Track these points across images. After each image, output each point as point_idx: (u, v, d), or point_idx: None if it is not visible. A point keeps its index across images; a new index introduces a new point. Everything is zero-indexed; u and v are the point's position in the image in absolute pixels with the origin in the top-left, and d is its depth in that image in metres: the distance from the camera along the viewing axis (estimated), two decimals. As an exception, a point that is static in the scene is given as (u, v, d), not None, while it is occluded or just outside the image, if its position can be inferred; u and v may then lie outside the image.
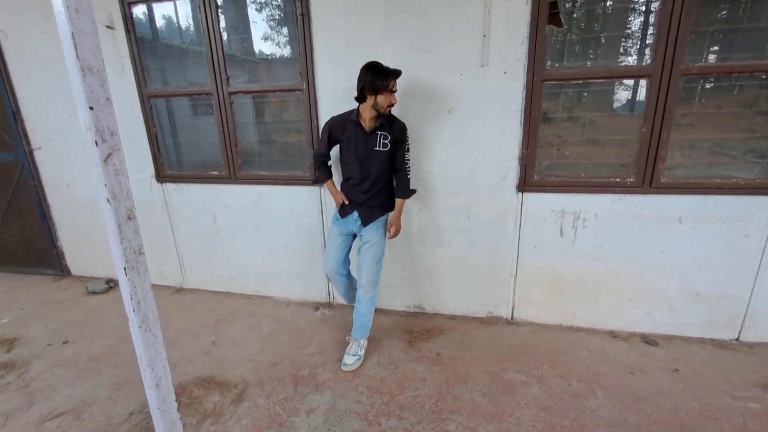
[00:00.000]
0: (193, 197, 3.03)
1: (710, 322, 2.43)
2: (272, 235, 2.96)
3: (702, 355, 2.34)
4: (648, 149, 2.20)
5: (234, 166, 2.85)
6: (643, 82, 2.18)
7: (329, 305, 3.02)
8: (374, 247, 2.23)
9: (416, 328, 2.69)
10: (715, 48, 2.23)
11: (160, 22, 2.89)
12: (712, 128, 2.29)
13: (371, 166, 2.15)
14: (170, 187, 3.06)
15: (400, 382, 2.18)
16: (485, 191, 2.49)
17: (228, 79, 2.66)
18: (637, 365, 2.28)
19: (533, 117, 2.27)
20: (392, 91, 2.03)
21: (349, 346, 2.38)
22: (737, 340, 2.43)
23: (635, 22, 2.29)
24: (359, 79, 2.03)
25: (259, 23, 2.71)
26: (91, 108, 0.91)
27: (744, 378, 2.14)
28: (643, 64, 2.12)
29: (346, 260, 2.39)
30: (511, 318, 2.73)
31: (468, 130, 2.41)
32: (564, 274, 2.54)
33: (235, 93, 2.69)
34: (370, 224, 2.24)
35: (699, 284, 2.38)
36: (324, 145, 2.25)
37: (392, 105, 2.07)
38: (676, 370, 2.23)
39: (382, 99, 2.02)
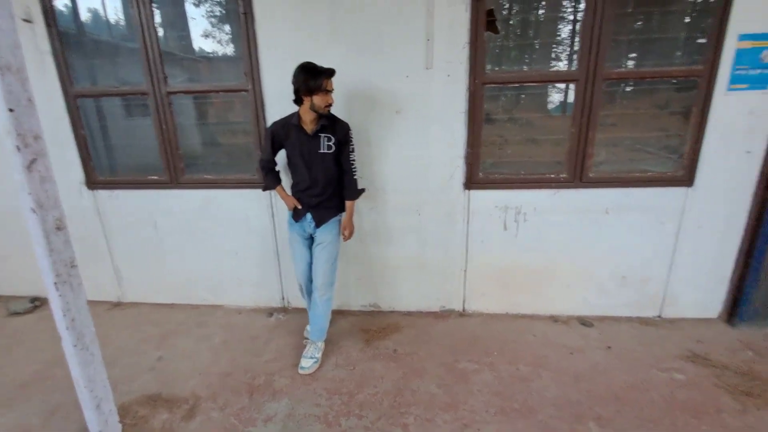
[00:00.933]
0: (131, 204, 2.83)
1: (636, 302, 2.70)
2: (221, 241, 2.85)
3: (631, 333, 2.59)
4: (577, 147, 2.40)
5: (176, 170, 2.70)
6: (572, 86, 2.37)
7: (284, 310, 2.96)
8: (328, 248, 2.23)
9: (373, 326, 2.72)
10: (634, 55, 2.48)
11: (85, 16, 2.67)
12: (632, 127, 2.54)
13: (318, 170, 2.13)
14: (103, 194, 2.84)
15: (358, 381, 2.20)
16: (434, 190, 2.57)
17: (166, 78, 2.52)
18: (576, 346, 2.47)
19: (476, 118, 2.39)
20: (328, 91, 2.00)
21: (306, 350, 2.35)
22: (659, 317, 2.72)
23: (564, 31, 2.49)
24: (294, 81, 1.99)
25: (198, 20, 2.60)
26: (11, 110, 0.84)
27: (668, 351, 2.40)
28: (571, 69, 2.31)
29: None
30: (463, 310, 2.85)
31: (416, 130, 2.48)
32: (509, 265, 2.69)
33: (175, 93, 2.55)
34: (324, 225, 2.22)
35: (625, 269, 2.63)
36: (268, 151, 2.19)
37: (330, 105, 2.04)
38: (609, 347, 2.45)
39: (318, 99, 1.98)
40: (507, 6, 2.47)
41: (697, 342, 2.47)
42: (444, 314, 2.85)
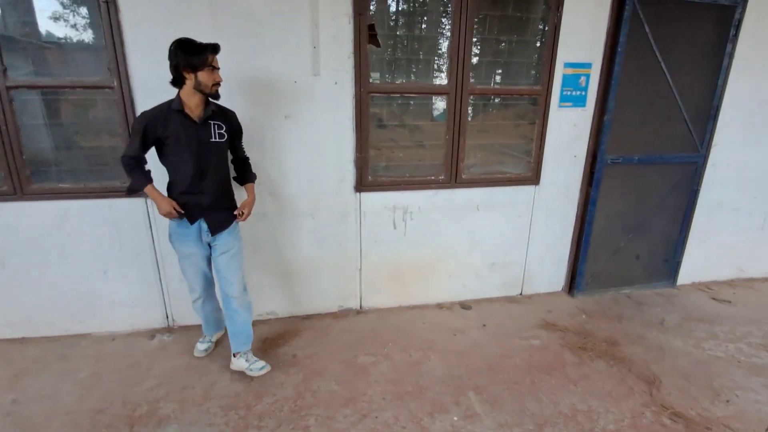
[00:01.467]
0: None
1: (504, 284, 3.17)
2: (85, 259, 2.48)
3: (500, 311, 3.03)
4: (452, 152, 2.72)
5: (20, 179, 2.28)
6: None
7: (168, 330, 2.71)
8: (237, 255, 2.12)
9: (270, 335, 2.67)
10: (500, 71, 2.88)
11: None
12: (498, 135, 2.97)
13: (210, 162, 1.94)
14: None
15: (256, 392, 2.15)
16: (327, 193, 2.65)
17: (5, 70, 2.11)
18: (458, 327, 2.80)
19: (363, 124, 2.54)
20: (215, 68, 1.83)
21: (246, 364, 2.22)
22: (521, 294, 3.24)
23: (441, 48, 2.76)
24: (171, 60, 1.78)
25: (46, 2, 2.22)
26: None
27: (527, 322, 2.87)
28: (443, 84, 2.61)
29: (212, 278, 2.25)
30: (360, 308, 2.98)
31: (306, 135, 2.52)
32: (400, 261, 2.91)
33: (16, 88, 2.15)
34: (225, 231, 2.07)
35: (494, 256, 3.07)
36: (137, 146, 1.84)
37: (218, 84, 1.86)
38: (484, 325, 2.83)
39: (204, 77, 1.79)
40: (393, 20, 2.66)
41: (548, 312, 3.01)
42: (342, 314, 2.94)
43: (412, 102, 2.84)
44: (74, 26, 2.33)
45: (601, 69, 2.76)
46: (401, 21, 2.69)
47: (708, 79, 2.92)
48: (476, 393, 2.18)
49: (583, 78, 2.76)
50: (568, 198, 3.04)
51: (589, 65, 2.74)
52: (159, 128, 1.84)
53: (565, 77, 2.73)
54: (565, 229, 3.12)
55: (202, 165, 1.94)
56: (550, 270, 3.22)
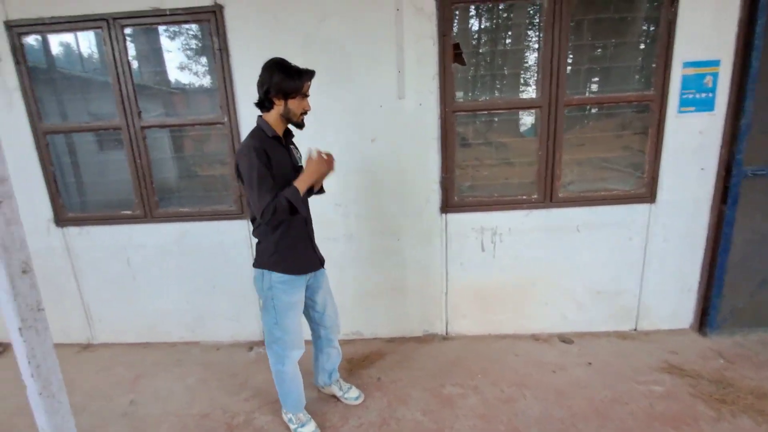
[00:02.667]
0: (102, 240, 2.75)
1: (612, 316, 2.77)
2: (197, 275, 2.79)
3: (609, 347, 2.64)
4: (545, 169, 2.51)
5: (150, 204, 2.66)
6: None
7: (264, 343, 2.88)
8: (330, 285, 2.08)
9: (355, 355, 2.68)
10: (596, 79, 2.63)
11: (57, 50, 2.66)
12: (599, 148, 2.68)
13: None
14: (73, 230, 2.75)
15: (342, 413, 2.15)
16: (412, 214, 2.62)
17: (140, 112, 2.52)
18: (558, 363, 2.50)
19: (449, 143, 2.48)
20: (306, 95, 1.69)
21: (341, 392, 2.25)
22: (635, 330, 2.79)
23: (528, 61, 2.62)
24: (262, 81, 1.63)
25: (174, 53, 2.63)
26: (-24, 155, 0.83)
27: (645, 363, 2.45)
28: (534, 97, 2.44)
29: None
30: (446, 334, 2.85)
31: (391, 157, 2.54)
32: (488, 286, 2.73)
33: (149, 127, 2.55)
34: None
35: (599, 284, 2.71)
36: (269, 182, 1.59)
37: (306, 113, 1.72)
38: (590, 363, 2.49)
39: (294, 105, 1.65)
40: (476, 38, 2.61)
41: (671, 353, 2.54)
42: (427, 338, 2.84)
43: (497, 119, 2.70)
44: (195, 73, 2.70)
45: (733, 66, 2.33)
46: (485, 38, 2.61)
47: None
48: (583, 443, 1.89)
49: (709, 78, 2.36)
50: (695, 218, 2.58)
51: (716, 62, 2.34)
52: (270, 155, 1.63)
53: (685, 78, 2.36)
54: (692, 255, 2.64)
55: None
56: (672, 302, 2.73)
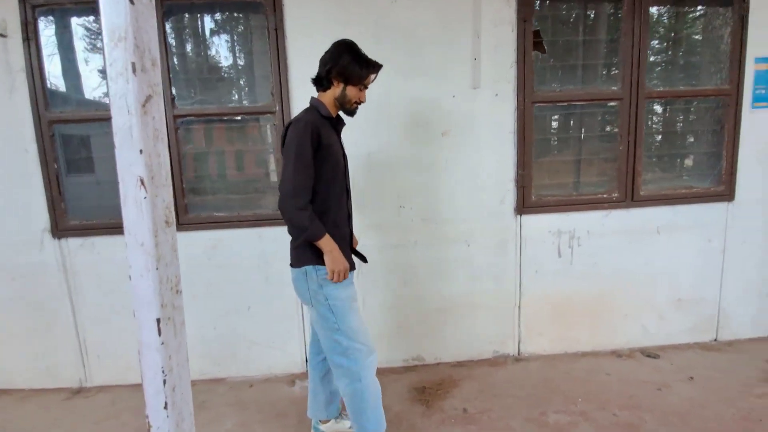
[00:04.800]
0: (111, 254, 2.25)
1: (693, 326, 2.56)
2: (230, 293, 2.32)
3: (699, 360, 2.40)
4: (626, 165, 2.35)
5: (178, 209, 2.23)
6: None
7: (306, 375, 2.41)
8: None
9: (425, 383, 2.27)
10: (678, 73, 2.49)
11: (77, 31, 2.25)
12: (675, 144, 2.55)
13: (348, 180, 1.65)
14: (73, 243, 2.24)
15: (439, 454, 1.73)
16: (484, 216, 2.35)
17: (173, 99, 2.15)
18: (658, 381, 2.22)
19: (527, 137, 2.28)
20: (366, 87, 1.58)
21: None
22: (716, 340, 2.59)
23: (607, 52, 2.45)
24: (328, 59, 1.50)
25: (217, 30, 2.30)
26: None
27: (747, 375, 2.22)
28: (615, 88, 2.32)
29: None
30: (518, 354, 2.51)
31: (463, 153, 2.29)
32: (565, 296, 2.46)
33: (183, 117, 2.17)
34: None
35: (680, 291, 2.52)
36: (311, 169, 1.43)
37: (360, 103, 1.59)
38: (691, 378, 2.23)
39: (352, 92, 1.53)
40: (553, 27, 2.44)
41: (766, 362, 2.34)
42: (498, 360, 2.48)
43: (577, 111, 2.48)
44: (242, 55, 2.33)
45: (802, 61, 2.34)
46: (561, 27, 2.45)
47: None
48: (743, 470, 1.58)
49: (780, 73, 2.35)
50: (770, 217, 2.49)
51: (785, 58, 2.34)
52: (323, 138, 1.47)
53: (757, 74, 2.34)
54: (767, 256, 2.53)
55: (347, 186, 1.64)
56: (753, 309, 2.57)
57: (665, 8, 2.35)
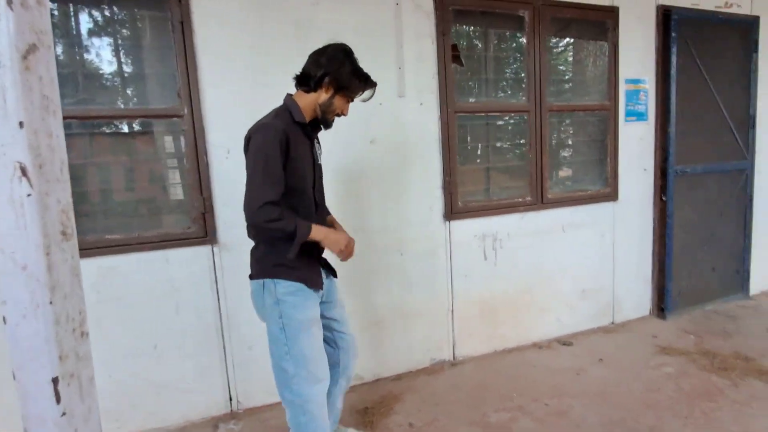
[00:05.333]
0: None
1: (596, 313, 2.88)
2: (129, 331, 1.93)
3: (604, 343, 2.70)
4: (536, 171, 2.57)
5: (53, 232, 1.78)
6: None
7: (232, 416, 2.11)
8: (344, 301, 1.69)
9: (367, 403, 2.15)
10: (570, 88, 2.81)
11: None
12: (574, 151, 2.87)
13: (322, 190, 1.55)
14: None
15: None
16: (415, 224, 2.35)
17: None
18: (575, 366, 2.42)
19: (451, 146, 2.35)
20: (352, 100, 1.49)
21: None
22: (612, 323, 2.95)
23: (517, 69, 2.66)
24: (326, 63, 1.38)
25: (104, 21, 1.93)
26: None
27: (642, 351, 2.55)
28: (522, 102, 2.54)
29: None
30: (454, 359, 2.54)
31: (392, 161, 2.27)
32: (492, 297, 2.57)
33: (67, 118, 1.76)
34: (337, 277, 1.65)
35: (584, 282, 2.82)
36: (278, 175, 1.29)
37: (341, 115, 1.49)
38: (601, 360, 2.48)
39: (339, 103, 1.43)
40: (468, 43, 2.58)
41: (653, 337, 2.73)
42: (436, 368, 2.48)
43: (492, 122, 2.64)
44: (137, 56, 1.99)
45: (656, 84, 2.84)
46: (479, 42, 2.61)
47: (744, 90, 3.10)
48: (657, 435, 1.79)
49: (642, 93, 2.82)
50: (643, 213, 2.94)
51: (644, 81, 2.82)
52: (291, 145, 1.33)
53: (627, 93, 2.77)
54: (644, 247, 2.98)
55: (318, 195, 1.52)
56: (636, 293, 3.00)
57: (557, 38, 2.66)
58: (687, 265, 3.03)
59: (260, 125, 1.35)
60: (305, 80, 1.42)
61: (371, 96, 1.52)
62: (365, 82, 1.45)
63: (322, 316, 1.52)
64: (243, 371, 2.12)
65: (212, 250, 2.02)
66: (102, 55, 1.86)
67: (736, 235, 3.22)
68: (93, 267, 1.85)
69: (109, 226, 1.89)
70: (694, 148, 2.96)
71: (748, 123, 3.14)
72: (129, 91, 1.94)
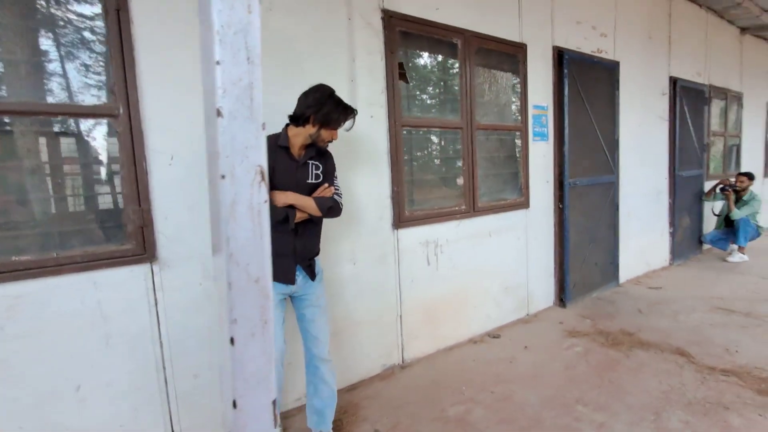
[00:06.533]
0: None
1: (515, 307, 3.28)
2: (44, 373, 1.58)
3: (524, 333, 3.09)
4: (468, 182, 2.85)
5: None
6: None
7: (177, 456, 1.86)
8: (326, 308, 1.81)
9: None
10: (495, 111, 3.19)
11: None
12: (495, 166, 3.23)
13: None
14: None
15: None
16: (367, 233, 2.40)
17: None
18: (507, 356, 2.73)
19: (398, 157, 2.47)
20: (339, 127, 1.74)
21: None
22: (528, 315, 3.39)
23: (447, 89, 2.91)
24: (312, 104, 1.62)
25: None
26: None
27: (554, 336, 2.99)
28: (458, 119, 2.80)
29: None
30: (402, 362, 2.63)
31: (344, 172, 2.29)
32: (433, 300, 2.75)
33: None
34: (317, 276, 1.77)
35: (506, 280, 3.19)
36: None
37: (333, 140, 1.75)
38: (526, 347, 2.84)
39: (327, 134, 1.68)
40: (423, 62, 2.74)
41: (560, 323, 3.22)
42: (387, 373, 2.54)
43: (433, 137, 2.87)
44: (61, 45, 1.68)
45: (554, 111, 3.40)
46: (423, 63, 2.79)
47: (611, 119, 3.88)
48: (583, 405, 2.12)
49: (544, 117, 3.34)
50: (547, 218, 3.46)
51: (546, 107, 3.35)
52: (269, 159, 1.49)
53: (534, 116, 3.26)
54: (548, 247, 3.50)
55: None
56: (543, 286, 3.49)
57: (482, 66, 3.01)
58: (578, 261, 3.64)
59: None
60: (295, 119, 1.67)
61: (352, 126, 1.76)
62: (345, 113, 1.69)
63: (297, 310, 1.81)
64: (187, 402, 1.90)
65: (151, 269, 1.78)
66: (12, 37, 1.52)
67: (609, 235, 3.98)
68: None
69: (18, 246, 1.54)
70: (581, 164, 3.60)
71: (614, 145, 3.94)
72: (50, 83, 1.61)
